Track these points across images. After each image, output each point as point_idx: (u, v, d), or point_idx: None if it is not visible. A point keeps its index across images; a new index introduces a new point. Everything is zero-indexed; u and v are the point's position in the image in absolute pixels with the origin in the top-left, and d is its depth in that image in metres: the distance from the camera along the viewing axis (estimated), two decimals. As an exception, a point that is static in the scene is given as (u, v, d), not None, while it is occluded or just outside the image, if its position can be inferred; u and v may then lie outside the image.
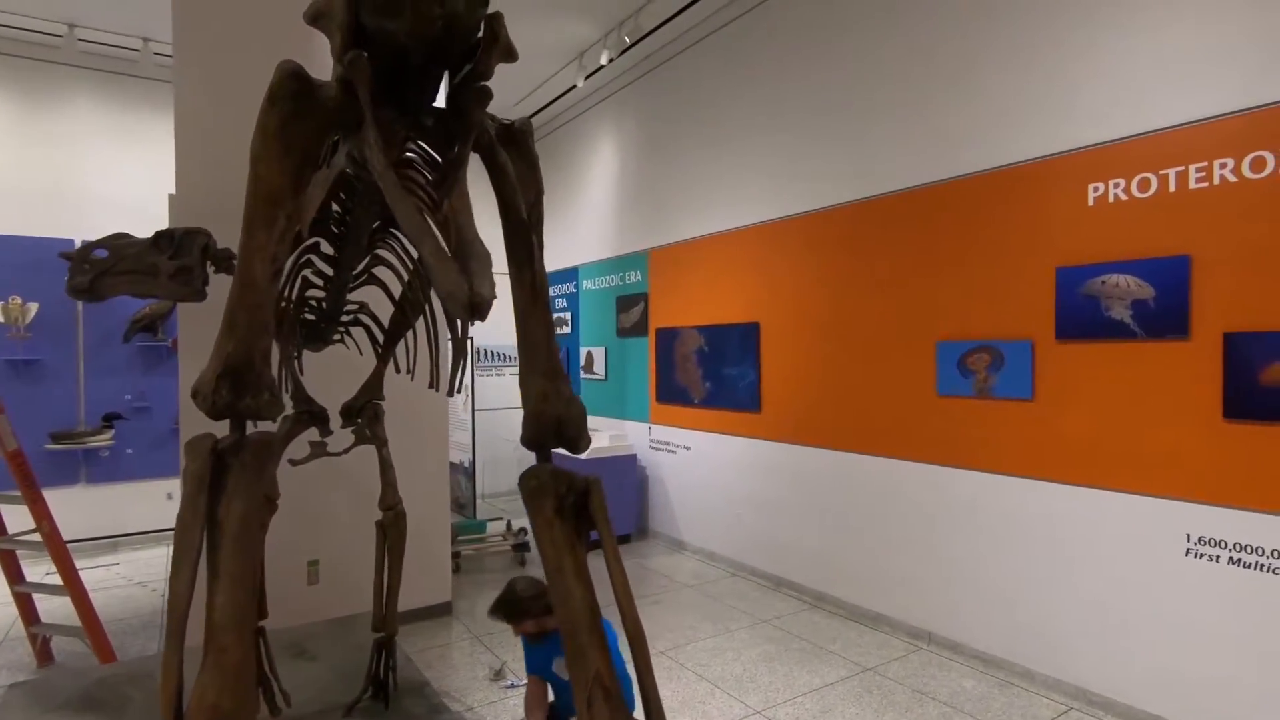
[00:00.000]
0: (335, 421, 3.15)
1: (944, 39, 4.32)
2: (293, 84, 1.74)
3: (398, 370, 3.28)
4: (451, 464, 8.54)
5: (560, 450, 1.77)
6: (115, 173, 6.81)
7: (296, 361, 3.18)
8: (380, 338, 3.34)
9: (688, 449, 6.47)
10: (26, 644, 4.20)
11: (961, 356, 4.17)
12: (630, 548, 6.63)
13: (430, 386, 3.09)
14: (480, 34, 1.76)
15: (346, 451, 3.14)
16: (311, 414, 3.20)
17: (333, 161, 2.01)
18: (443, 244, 1.38)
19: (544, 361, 1.81)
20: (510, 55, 1.90)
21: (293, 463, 2.97)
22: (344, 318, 3.25)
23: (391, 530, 3.07)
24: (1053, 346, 3.73)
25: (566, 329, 8.55)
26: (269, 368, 1.82)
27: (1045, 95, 3.82)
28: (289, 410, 3.08)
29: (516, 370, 9.04)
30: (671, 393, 6.65)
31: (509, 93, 8.00)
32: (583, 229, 8.23)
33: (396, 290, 3.21)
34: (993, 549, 4.02)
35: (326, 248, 2.78)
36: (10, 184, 6.44)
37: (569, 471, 1.73)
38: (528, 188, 1.93)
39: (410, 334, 3.20)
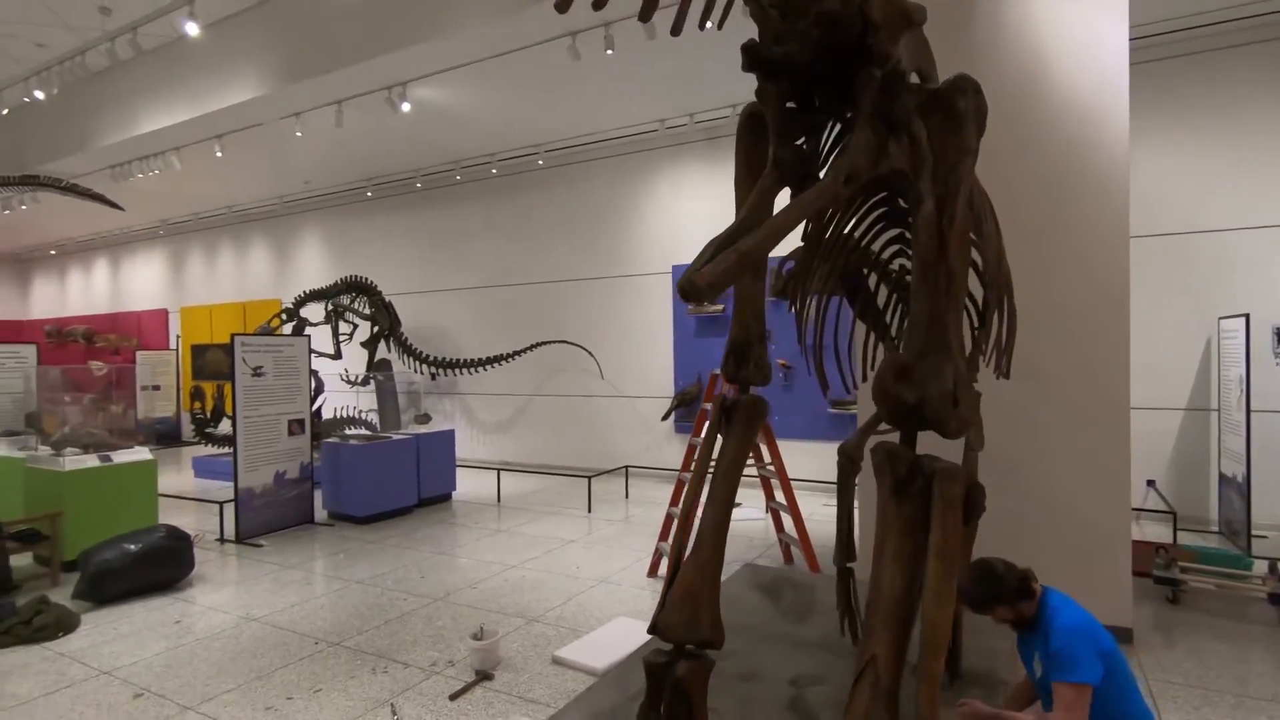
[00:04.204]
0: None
1: None
2: (748, 123, 2.24)
3: (983, 356, 3.20)
4: (1223, 477, 6.70)
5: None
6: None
7: (885, 342, 3.52)
8: (975, 320, 3.33)
9: None
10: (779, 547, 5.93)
11: None
12: None
13: (995, 372, 2.92)
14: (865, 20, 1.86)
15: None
16: (907, 393, 3.49)
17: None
18: (727, 237, 1.63)
19: (920, 339, 1.73)
20: (908, 22, 1.88)
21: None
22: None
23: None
24: None
25: None
26: (762, 345, 2.39)
27: None
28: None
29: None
30: None
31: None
32: None
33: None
34: None
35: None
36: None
37: (917, 455, 1.64)
38: (945, 155, 1.85)
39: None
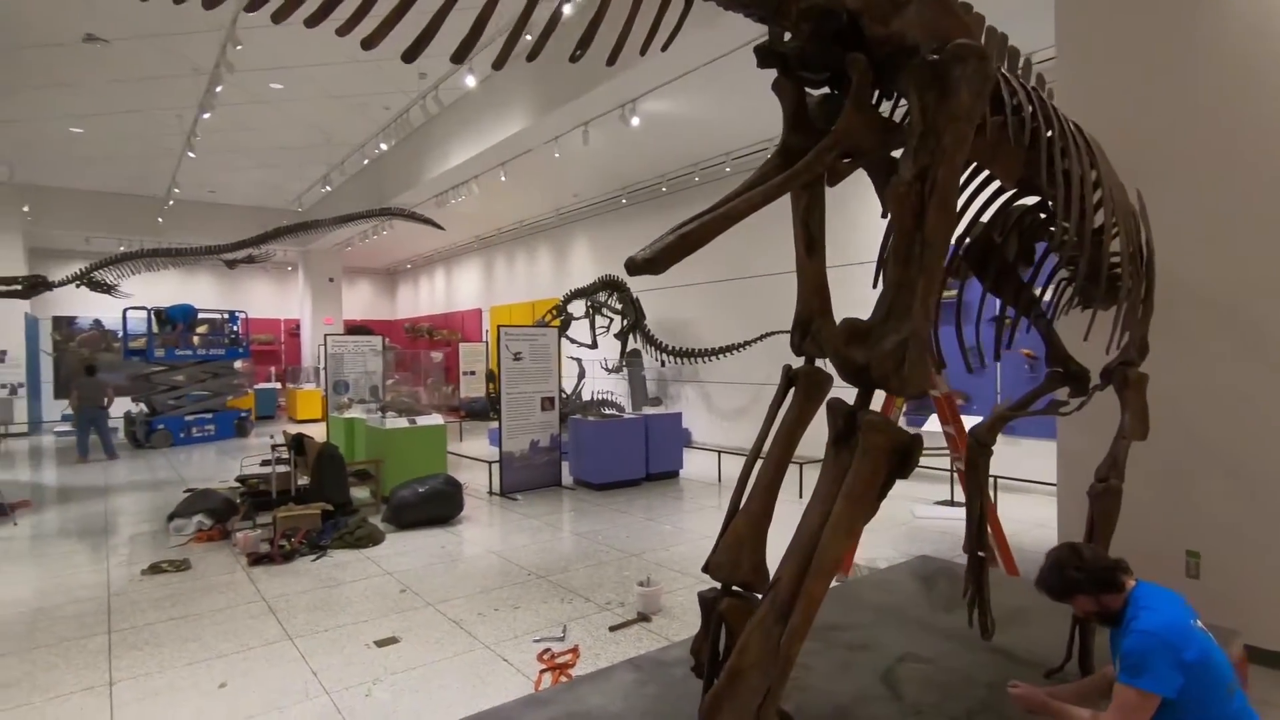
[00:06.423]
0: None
1: None
2: (790, 112, 2.44)
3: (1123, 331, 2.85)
4: None
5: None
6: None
7: (1043, 321, 3.27)
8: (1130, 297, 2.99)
9: None
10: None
11: None
12: None
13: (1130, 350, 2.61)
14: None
15: (1070, 412, 3.02)
16: (1067, 374, 3.25)
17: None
18: (692, 217, 1.89)
19: (885, 304, 1.83)
20: (893, 3, 1.99)
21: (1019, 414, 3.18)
22: (1115, 272, 3.09)
23: (1096, 504, 2.78)
24: None
25: None
26: (823, 318, 2.61)
27: None
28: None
29: None
30: None
31: None
32: None
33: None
34: None
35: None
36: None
37: (855, 410, 1.78)
38: (936, 123, 1.91)
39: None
